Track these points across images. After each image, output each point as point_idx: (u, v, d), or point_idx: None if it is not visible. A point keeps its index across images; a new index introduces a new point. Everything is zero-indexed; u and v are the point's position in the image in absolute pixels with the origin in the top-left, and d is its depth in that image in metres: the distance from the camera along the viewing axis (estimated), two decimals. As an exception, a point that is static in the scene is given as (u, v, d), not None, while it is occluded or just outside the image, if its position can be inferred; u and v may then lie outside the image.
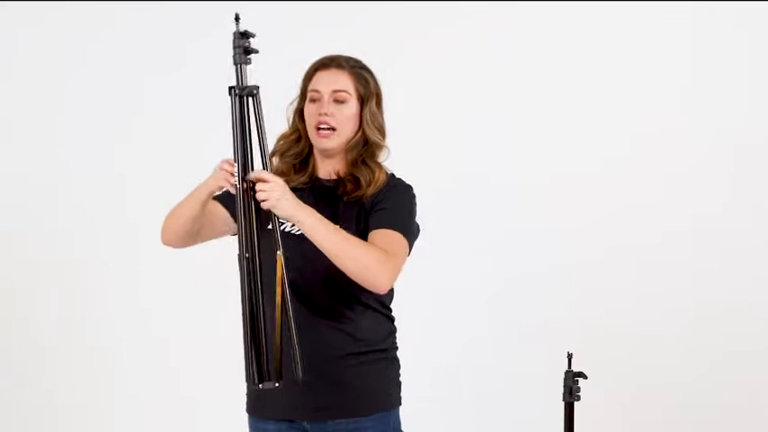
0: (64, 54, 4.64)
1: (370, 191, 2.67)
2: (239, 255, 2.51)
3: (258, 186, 2.48)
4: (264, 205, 2.48)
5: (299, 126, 2.73)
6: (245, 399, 2.79)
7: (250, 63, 2.53)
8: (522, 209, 4.45)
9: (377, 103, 2.72)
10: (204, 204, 2.60)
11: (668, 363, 4.39)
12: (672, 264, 4.39)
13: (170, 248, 2.75)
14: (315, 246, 2.54)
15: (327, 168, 2.73)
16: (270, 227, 2.55)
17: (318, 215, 2.53)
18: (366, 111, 2.70)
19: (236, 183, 2.50)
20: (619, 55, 4.43)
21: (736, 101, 4.38)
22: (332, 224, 2.55)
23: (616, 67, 4.43)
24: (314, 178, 2.74)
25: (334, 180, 2.72)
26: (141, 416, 4.63)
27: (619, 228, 4.42)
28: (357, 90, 2.69)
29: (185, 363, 4.61)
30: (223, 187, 2.53)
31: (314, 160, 2.75)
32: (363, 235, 2.62)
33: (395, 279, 2.62)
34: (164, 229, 2.68)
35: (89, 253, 4.64)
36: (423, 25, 4.51)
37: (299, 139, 2.74)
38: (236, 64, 2.53)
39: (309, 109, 2.70)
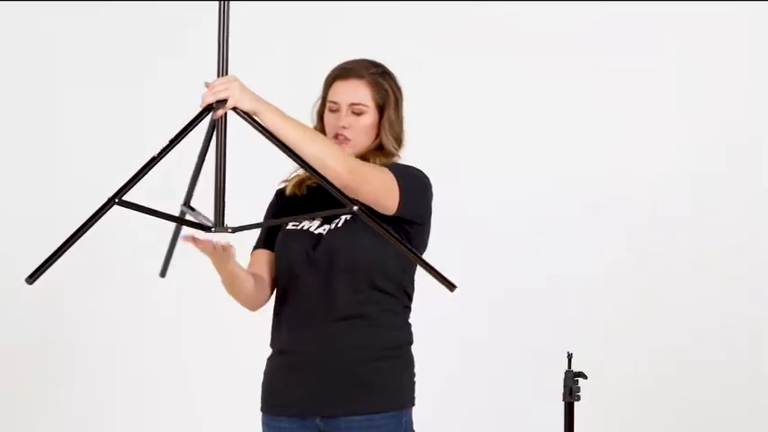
0: (61, 53, 4.65)
1: None
2: None
3: (215, 87, 2.42)
4: (230, 104, 2.43)
5: (319, 127, 2.78)
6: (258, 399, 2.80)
7: None
8: (522, 210, 4.46)
9: (395, 107, 2.77)
10: (227, 270, 2.64)
11: (668, 363, 4.40)
12: (672, 263, 4.40)
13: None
14: (333, 242, 2.66)
15: None
16: (289, 226, 2.69)
17: (280, 110, 2.50)
18: (384, 120, 2.75)
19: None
20: (620, 56, 4.46)
21: (730, 100, 4.42)
22: (294, 118, 2.53)
23: (618, 69, 4.46)
24: None
25: None
26: (149, 417, 4.63)
27: (618, 228, 4.43)
28: (375, 100, 2.74)
29: (195, 364, 4.60)
30: (215, 248, 2.54)
31: None
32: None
33: (356, 178, 2.54)
34: (243, 305, 2.80)
35: (92, 253, 4.64)
36: (424, 26, 4.53)
37: None
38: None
39: (328, 118, 2.76)
